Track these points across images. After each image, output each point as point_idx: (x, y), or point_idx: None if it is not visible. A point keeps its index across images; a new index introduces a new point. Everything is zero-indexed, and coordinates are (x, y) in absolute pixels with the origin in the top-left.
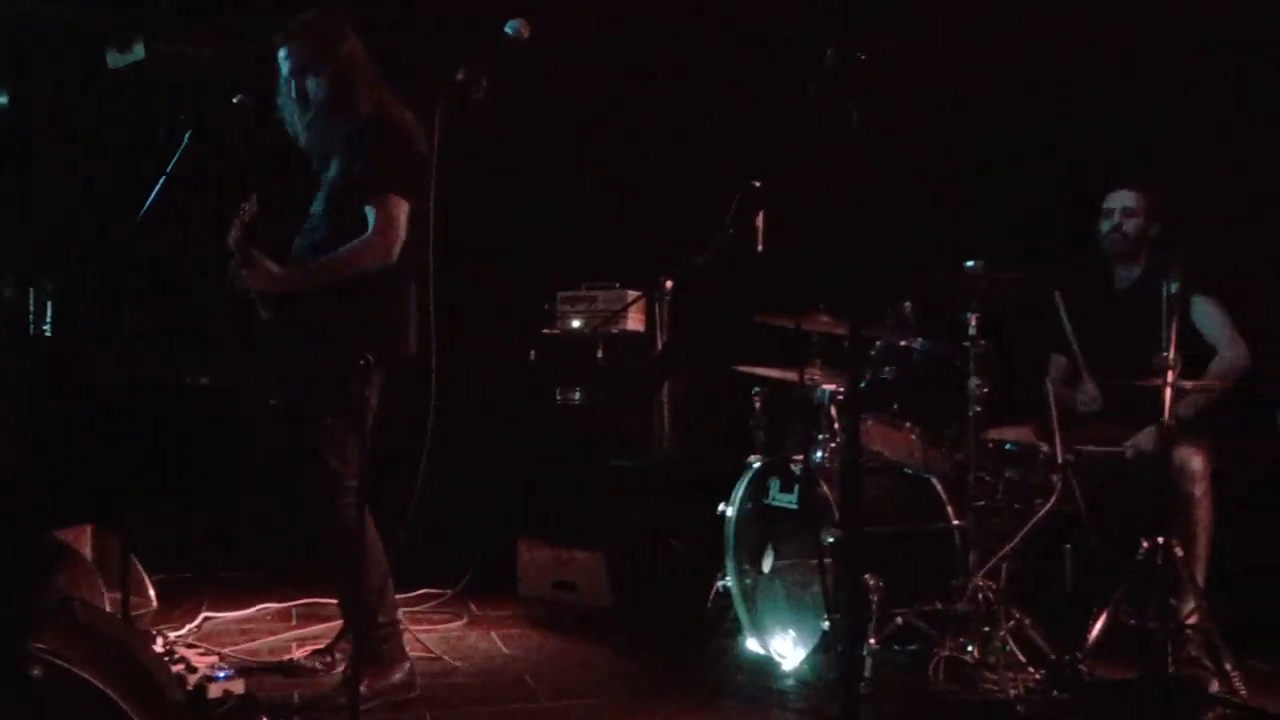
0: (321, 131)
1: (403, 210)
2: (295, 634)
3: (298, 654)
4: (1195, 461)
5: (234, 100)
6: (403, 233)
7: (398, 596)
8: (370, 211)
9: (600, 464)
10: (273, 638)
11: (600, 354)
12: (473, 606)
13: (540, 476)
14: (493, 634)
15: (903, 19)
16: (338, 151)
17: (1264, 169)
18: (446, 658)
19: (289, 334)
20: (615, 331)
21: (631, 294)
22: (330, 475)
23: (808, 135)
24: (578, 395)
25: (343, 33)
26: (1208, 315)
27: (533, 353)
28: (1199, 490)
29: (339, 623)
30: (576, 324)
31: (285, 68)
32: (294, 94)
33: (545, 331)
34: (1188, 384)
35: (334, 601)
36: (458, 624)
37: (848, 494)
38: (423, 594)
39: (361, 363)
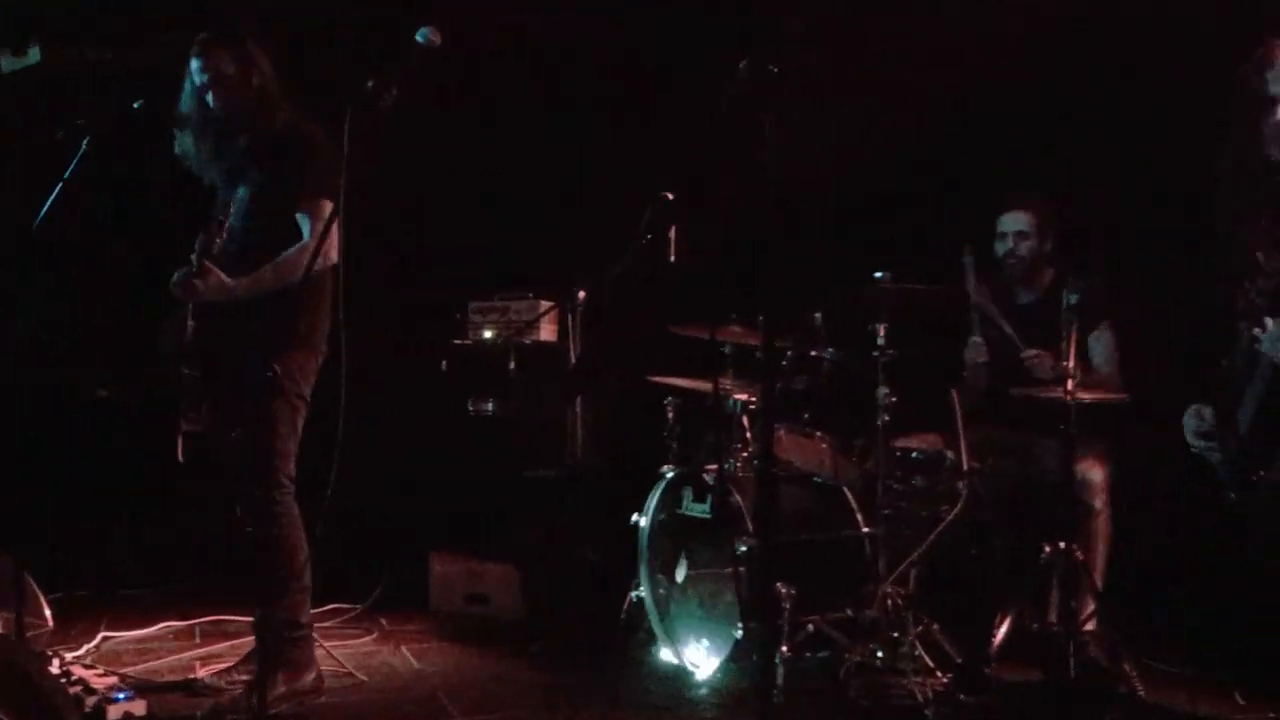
0: (232, 144)
1: (329, 213)
2: (198, 652)
3: (201, 673)
4: (1096, 474)
5: (134, 105)
6: (336, 237)
7: None
8: (304, 218)
9: (513, 476)
10: (175, 657)
11: (513, 364)
12: (383, 621)
13: (452, 489)
14: (404, 649)
15: (814, 36)
16: (254, 163)
17: (1151, 182)
18: (357, 674)
19: (223, 343)
20: (528, 342)
21: (545, 304)
22: (272, 473)
23: (721, 148)
24: (490, 406)
25: (256, 47)
26: (1100, 341)
27: (444, 363)
28: (1099, 502)
29: (244, 640)
30: (488, 334)
31: (198, 79)
32: (202, 106)
33: (456, 342)
34: (1086, 396)
35: (237, 618)
36: (368, 639)
37: (763, 503)
38: (332, 609)
39: (269, 374)
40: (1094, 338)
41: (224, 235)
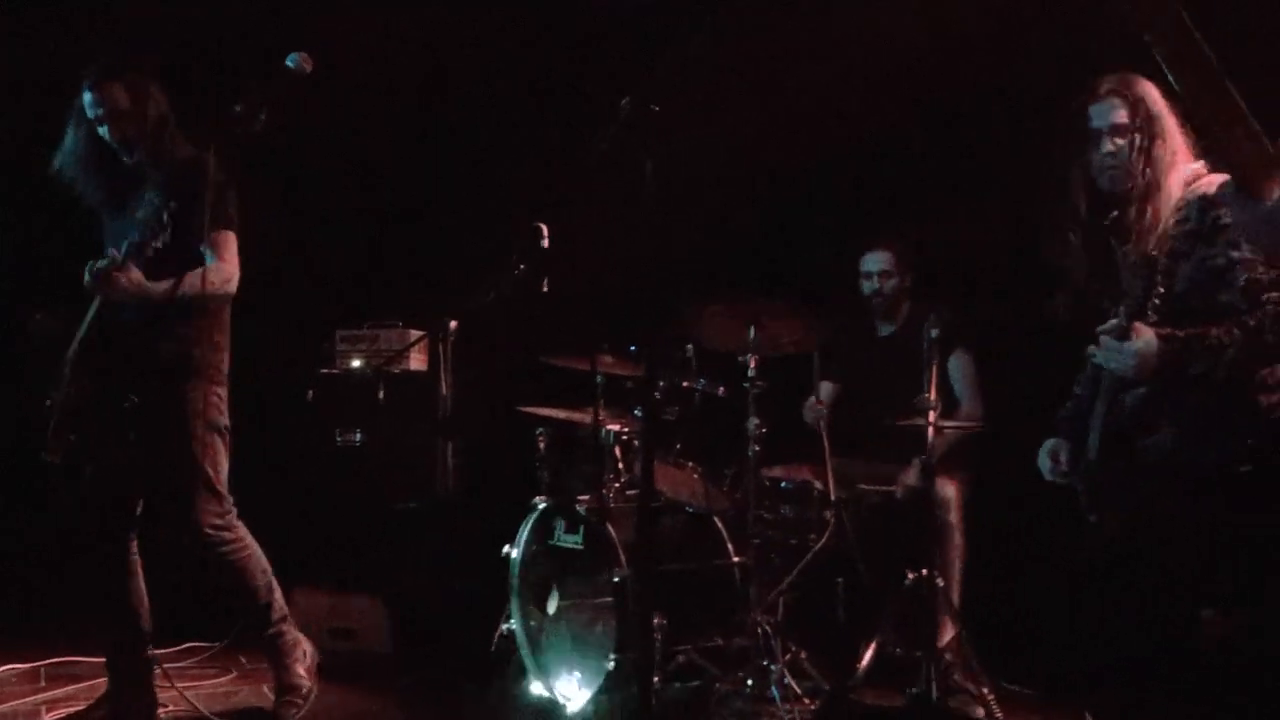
0: (127, 175)
1: (235, 243)
2: (44, 696)
3: (47, 718)
4: (949, 490)
5: None
6: (237, 264)
7: (160, 651)
8: (210, 245)
9: (380, 507)
10: (19, 701)
11: (382, 394)
12: (243, 659)
13: (317, 521)
14: (264, 688)
15: (691, 75)
16: (154, 193)
17: (1005, 219)
18: (214, 717)
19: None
20: (397, 371)
21: (415, 333)
22: (216, 496)
23: (596, 179)
24: (358, 437)
25: (153, 79)
26: (959, 368)
27: (310, 393)
28: (954, 518)
29: (95, 682)
30: (357, 363)
31: (91, 112)
32: (93, 138)
33: (324, 371)
34: (947, 424)
35: (86, 659)
36: (226, 679)
37: (642, 534)
38: (188, 648)
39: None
40: (951, 364)
41: (158, 242)
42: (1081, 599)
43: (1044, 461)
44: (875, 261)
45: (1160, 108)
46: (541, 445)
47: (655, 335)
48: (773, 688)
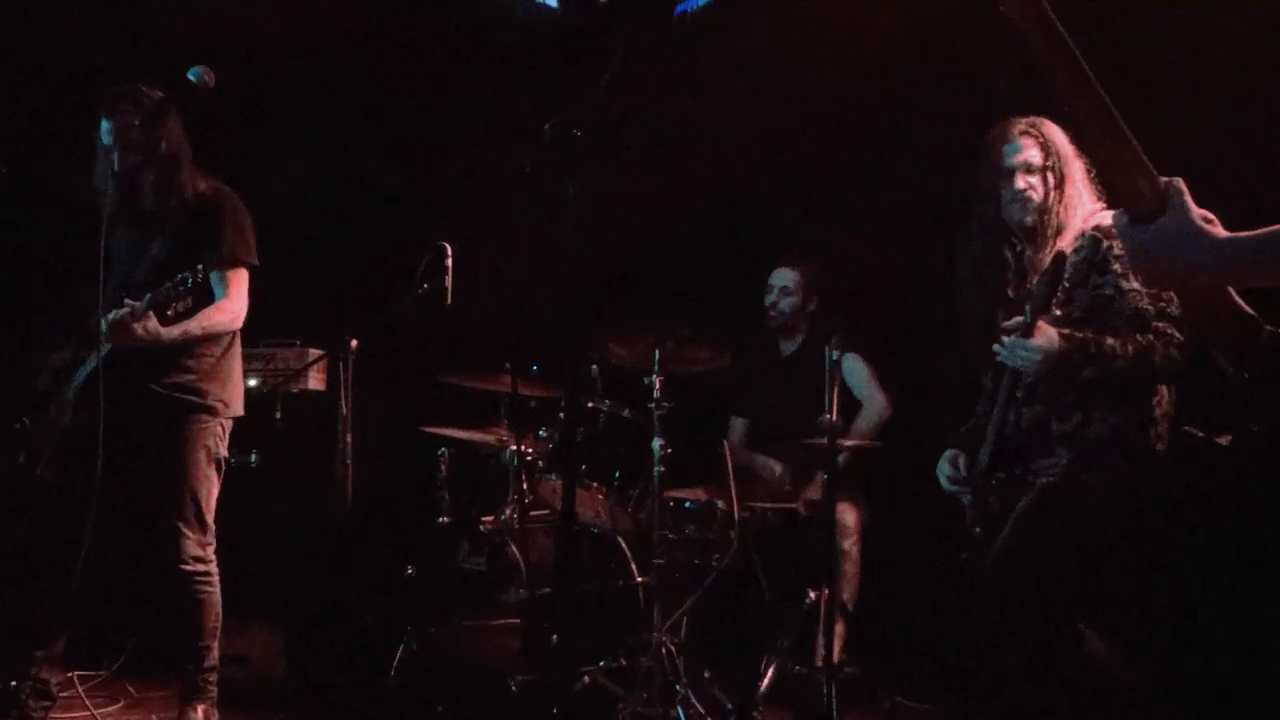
0: (148, 207)
1: (246, 280)
2: None
3: None
4: (848, 517)
5: None
6: (246, 301)
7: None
8: (220, 281)
9: (277, 529)
10: None
11: (279, 414)
12: (130, 688)
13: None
14: (154, 717)
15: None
16: (169, 226)
17: (905, 245)
18: None
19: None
20: (295, 391)
21: (314, 352)
22: (204, 528)
23: (510, 200)
24: (253, 458)
25: (169, 109)
26: (854, 371)
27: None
28: (848, 542)
29: None
30: (253, 383)
31: (109, 139)
32: (117, 166)
33: None
34: (847, 443)
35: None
36: (114, 708)
37: (565, 554)
38: (74, 676)
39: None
40: (846, 368)
41: (180, 306)
42: (966, 612)
43: (943, 468)
44: (780, 278)
45: (1069, 151)
46: (443, 466)
47: (565, 355)
48: (677, 708)
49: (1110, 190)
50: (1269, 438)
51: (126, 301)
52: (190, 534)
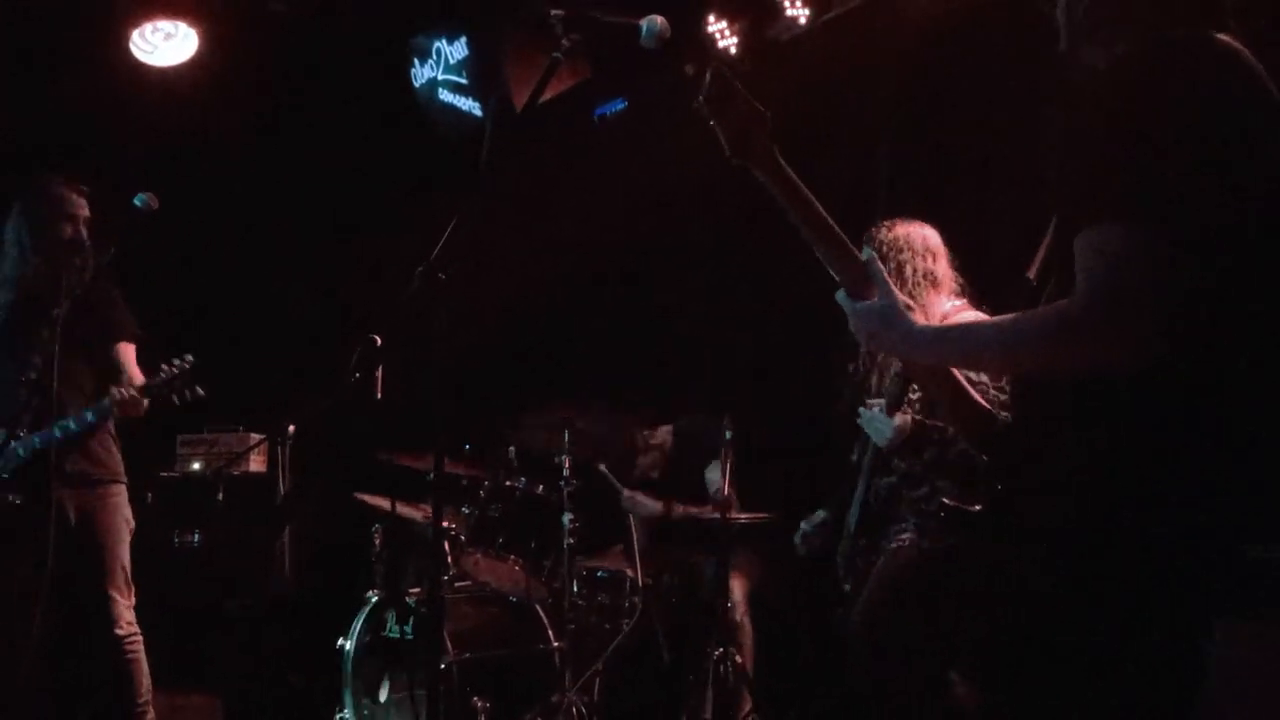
0: (73, 273)
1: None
2: None
3: None
4: (736, 590)
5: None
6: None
7: None
8: (121, 355)
9: (217, 606)
10: None
11: (221, 495)
12: None
13: (155, 621)
14: None
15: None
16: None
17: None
18: None
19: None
20: (237, 473)
21: (255, 436)
22: (130, 589)
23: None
24: (196, 538)
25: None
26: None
27: (149, 495)
28: (739, 613)
29: None
30: (196, 466)
31: (85, 211)
32: (76, 238)
33: (164, 474)
34: (743, 517)
35: None
36: None
37: (434, 625)
38: None
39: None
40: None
41: (192, 386)
42: (843, 664)
43: (798, 541)
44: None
45: (919, 248)
46: (377, 541)
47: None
48: None
49: (847, 280)
50: (997, 508)
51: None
52: (121, 599)
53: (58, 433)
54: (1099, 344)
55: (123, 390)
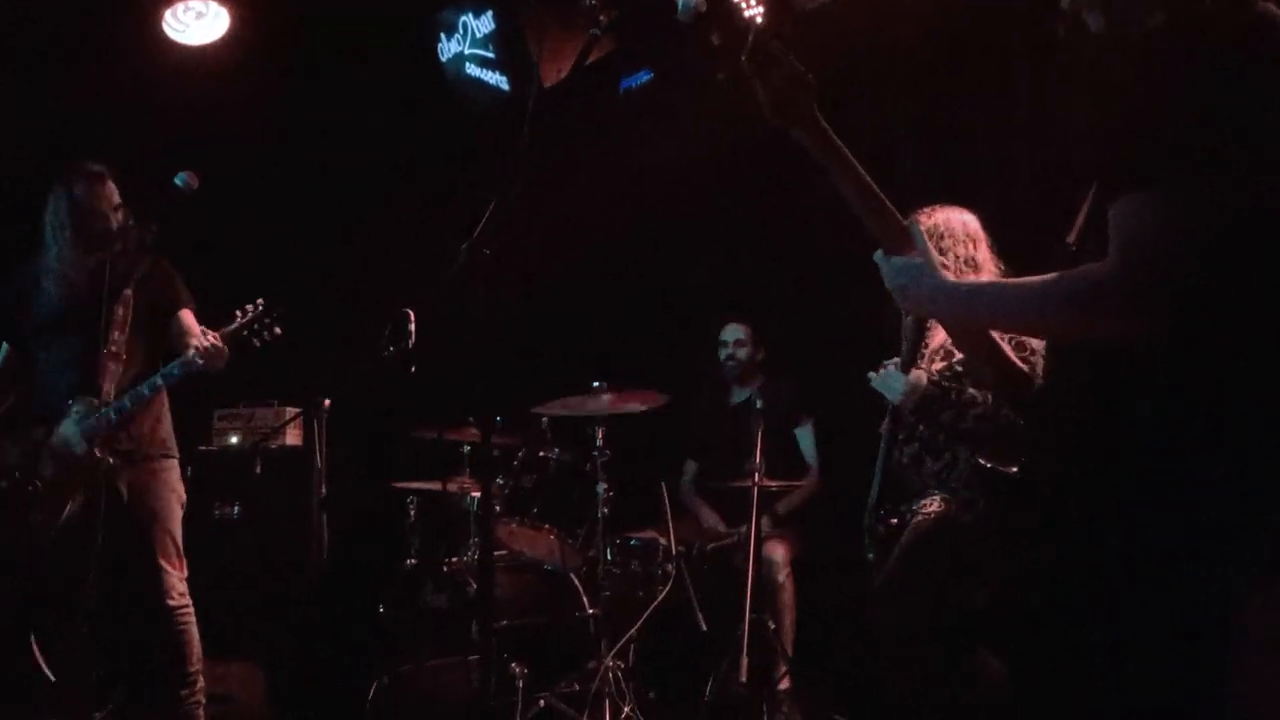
0: (121, 259)
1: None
2: None
3: None
4: (778, 553)
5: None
6: None
7: None
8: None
9: (259, 574)
10: None
11: (258, 469)
12: None
13: (197, 591)
14: None
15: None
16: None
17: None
18: None
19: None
20: (274, 447)
21: (290, 410)
22: (182, 561)
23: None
24: (235, 510)
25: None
26: (804, 437)
27: (189, 469)
28: (781, 576)
29: None
30: (234, 440)
31: (117, 197)
32: (114, 226)
33: (202, 448)
34: (773, 484)
35: None
36: None
37: (483, 590)
38: None
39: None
40: (800, 434)
41: (271, 328)
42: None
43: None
44: (731, 332)
45: (959, 233)
46: (412, 512)
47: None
48: None
49: (886, 239)
50: (1029, 472)
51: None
52: (173, 570)
53: (146, 390)
54: (1126, 309)
55: (202, 341)
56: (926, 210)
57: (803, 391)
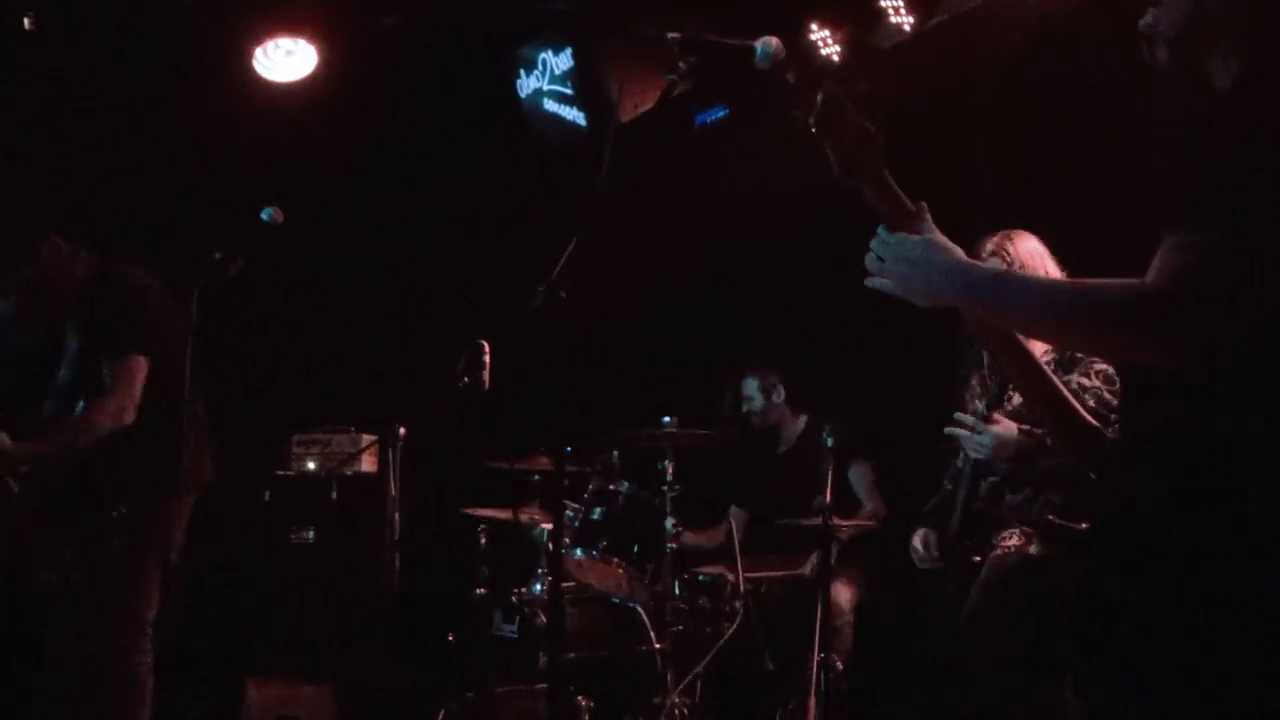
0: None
1: (141, 368)
2: None
3: None
4: (843, 596)
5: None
6: (138, 391)
7: None
8: (108, 371)
9: (331, 598)
10: None
11: (334, 495)
12: None
13: (271, 614)
14: None
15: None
16: (72, 318)
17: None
18: None
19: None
20: (349, 473)
21: (366, 438)
22: (133, 618)
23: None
24: (311, 535)
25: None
26: (859, 476)
27: (267, 493)
28: (840, 620)
29: None
30: (311, 466)
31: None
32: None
33: (280, 473)
34: (843, 523)
35: None
36: None
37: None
38: None
39: (115, 514)
40: (851, 473)
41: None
42: (948, 672)
43: (914, 547)
44: (746, 387)
45: (1035, 263)
46: (482, 541)
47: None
48: None
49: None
50: (1108, 527)
51: None
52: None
53: None
54: (1165, 327)
55: None
56: (996, 236)
57: (851, 431)
